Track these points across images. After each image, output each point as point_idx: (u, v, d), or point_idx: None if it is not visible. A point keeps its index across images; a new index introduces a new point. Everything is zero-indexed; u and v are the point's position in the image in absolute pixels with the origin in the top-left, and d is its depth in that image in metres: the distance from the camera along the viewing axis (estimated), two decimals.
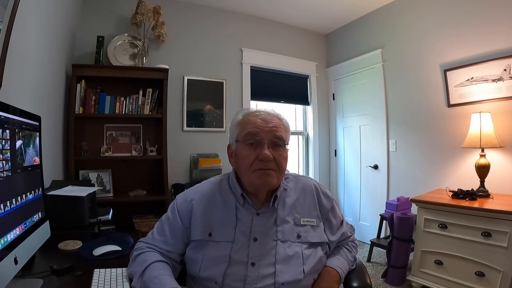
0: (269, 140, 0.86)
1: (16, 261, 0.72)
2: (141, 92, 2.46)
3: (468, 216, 1.87)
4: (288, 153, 0.93)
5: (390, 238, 2.35)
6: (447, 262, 1.97)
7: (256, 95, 3.29)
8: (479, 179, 2.12)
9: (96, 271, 0.86)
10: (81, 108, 2.27)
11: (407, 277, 2.20)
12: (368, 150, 3.24)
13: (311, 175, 3.57)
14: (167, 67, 2.55)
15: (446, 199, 2.05)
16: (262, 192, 0.89)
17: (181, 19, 2.91)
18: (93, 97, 2.34)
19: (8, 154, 0.73)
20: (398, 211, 2.42)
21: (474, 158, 2.20)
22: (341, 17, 3.36)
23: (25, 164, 0.85)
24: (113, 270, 0.87)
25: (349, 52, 3.44)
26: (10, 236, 0.72)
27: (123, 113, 2.42)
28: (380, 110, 3.07)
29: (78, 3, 2.43)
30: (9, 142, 0.74)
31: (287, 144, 0.91)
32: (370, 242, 2.79)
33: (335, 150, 3.69)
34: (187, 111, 2.89)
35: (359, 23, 3.33)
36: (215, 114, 3.03)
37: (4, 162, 0.71)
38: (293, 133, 3.64)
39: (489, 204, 1.88)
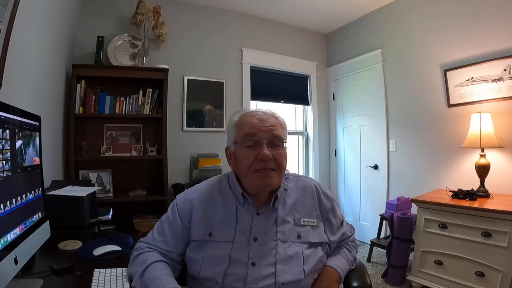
0: (267, 140, 0.86)
1: (16, 261, 0.72)
2: (141, 92, 2.46)
3: (468, 216, 1.87)
4: (287, 151, 0.92)
5: (390, 238, 2.35)
6: (447, 262, 1.97)
7: (256, 95, 3.29)
8: (479, 179, 2.12)
9: (96, 271, 0.86)
10: (81, 108, 2.27)
11: (407, 277, 2.20)
12: (368, 150, 3.24)
13: (311, 175, 3.57)
14: (167, 67, 2.55)
15: (446, 199, 2.05)
16: (264, 194, 0.89)
17: (181, 19, 2.91)
18: (93, 97, 2.34)
19: (8, 154, 0.73)
20: (398, 211, 2.42)
21: (474, 158, 2.20)
22: (341, 17, 3.36)
23: (25, 164, 0.85)
24: (113, 270, 0.87)
25: (349, 52, 3.44)
26: (10, 236, 0.72)
27: (123, 113, 2.42)
28: (380, 110, 3.07)
29: (78, 3, 2.43)
30: (9, 142, 0.74)
31: (285, 142, 0.91)
32: (370, 242, 2.79)
33: (335, 150, 3.69)
34: (187, 111, 2.89)
35: (359, 23, 3.33)
36: (215, 114, 3.03)
37: (4, 162, 0.71)
38: (293, 133, 3.65)
39: (489, 204, 1.88)
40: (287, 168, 0.93)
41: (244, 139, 0.87)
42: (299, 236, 0.87)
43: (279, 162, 0.87)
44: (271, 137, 0.87)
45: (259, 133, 0.86)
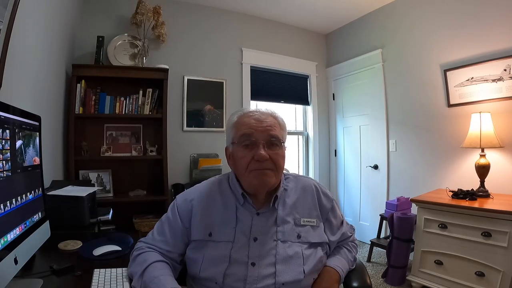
0: (264, 140, 0.86)
1: (16, 261, 0.72)
2: (141, 92, 2.46)
3: (468, 216, 1.87)
4: (286, 150, 0.92)
5: (390, 238, 2.35)
6: (447, 262, 1.97)
7: (256, 95, 3.29)
8: (479, 179, 2.12)
9: (96, 271, 0.86)
10: (81, 108, 2.26)
11: (407, 277, 2.20)
12: (368, 150, 3.24)
13: (311, 175, 3.57)
14: (167, 67, 2.55)
15: (446, 199, 2.05)
16: (262, 193, 0.89)
17: (181, 19, 2.91)
18: (93, 97, 2.34)
19: (8, 154, 0.73)
20: (398, 211, 2.42)
21: (474, 158, 2.20)
22: (341, 17, 3.36)
23: (25, 164, 0.85)
24: (113, 270, 0.87)
25: (349, 52, 3.44)
26: (10, 236, 0.72)
27: (123, 113, 2.42)
28: (380, 110, 3.07)
29: (78, 3, 2.43)
30: (9, 142, 0.74)
31: (283, 142, 0.91)
32: (370, 242, 2.79)
33: (335, 150, 3.69)
34: (187, 111, 2.89)
35: (359, 23, 3.33)
36: (215, 114, 3.03)
37: (4, 162, 0.71)
38: (293, 133, 3.64)
39: (489, 204, 1.88)
40: (287, 168, 0.93)
41: (241, 140, 0.87)
42: (299, 236, 0.87)
43: (276, 162, 0.87)
44: (268, 138, 0.87)
45: (255, 133, 0.86)
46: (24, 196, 0.82)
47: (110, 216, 1.69)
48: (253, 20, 3.29)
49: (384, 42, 3.04)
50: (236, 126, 0.90)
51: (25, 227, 0.82)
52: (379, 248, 2.76)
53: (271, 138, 0.87)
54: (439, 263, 2.00)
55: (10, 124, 0.76)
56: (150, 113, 2.48)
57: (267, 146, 0.86)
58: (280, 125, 0.92)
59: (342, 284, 0.94)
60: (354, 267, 0.99)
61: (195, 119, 2.94)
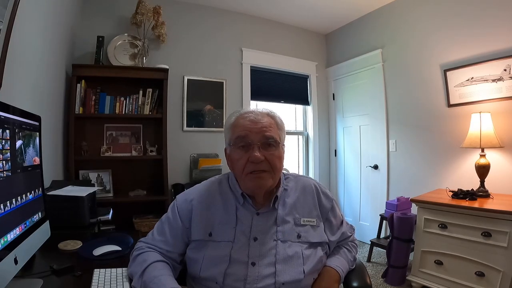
0: (259, 141, 0.86)
1: (16, 261, 0.72)
2: (141, 92, 2.46)
3: (468, 216, 1.87)
4: (285, 149, 0.92)
5: (390, 238, 2.35)
6: (447, 262, 1.97)
7: (256, 95, 3.29)
8: (479, 179, 2.12)
9: (96, 271, 0.86)
10: (81, 108, 2.26)
11: (407, 277, 2.20)
12: (368, 150, 3.23)
13: (311, 175, 3.57)
14: (167, 67, 2.55)
15: (446, 199, 2.05)
16: (259, 195, 0.89)
17: (181, 19, 2.91)
18: (93, 97, 2.34)
19: (8, 154, 0.73)
20: (398, 211, 2.42)
21: (474, 158, 2.20)
22: (341, 17, 3.36)
23: (25, 164, 0.85)
24: (113, 270, 0.87)
25: (349, 52, 3.44)
26: (10, 236, 0.72)
27: (123, 113, 2.42)
28: (380, 110, 3.07)
29: (78, 3, 2.43)
30: (9, 142, 0.74)
31: (280, 142, 0.90)
32: (370, 242, 2.79)
33: (335, 150, 3.69)
34: (187, 111, 2.89)
35: (359, 23, 3.33)
36: (215, 114, 3.03)
37: (4, 162, 0.71)
38: (293, 133, 3.64)
39: (489, 204, 1.88)
40: (287, 168, 0.93)
41: (237, 142, 0.88)
42: (299, 236, 0.87)
43: (272, 164, 0.86)
44: (263, 139, 0.86)
45: (250, 135, 0.86)
46: (24, 196, 0.82)
47: (110, 216, 1.69)
48: (253, 20, 3.29)
49: (384, 42, 3.04)
50: (232, 128, 0.90)
51: (25, 227, 0.82)
52: (379, 248, 2.76)
53: (266, 139, 0.87)
54: (439, 263, 2.00)
55: (10, 124, 0.76)
56: (150, 113, 2.48)
57: (262, 147, 0.86)
58: (278, 124, 0.92)
59: (342, 284, 0.94)
60: (354, 267, 0.99)
61: (195, 119, 2.94)
